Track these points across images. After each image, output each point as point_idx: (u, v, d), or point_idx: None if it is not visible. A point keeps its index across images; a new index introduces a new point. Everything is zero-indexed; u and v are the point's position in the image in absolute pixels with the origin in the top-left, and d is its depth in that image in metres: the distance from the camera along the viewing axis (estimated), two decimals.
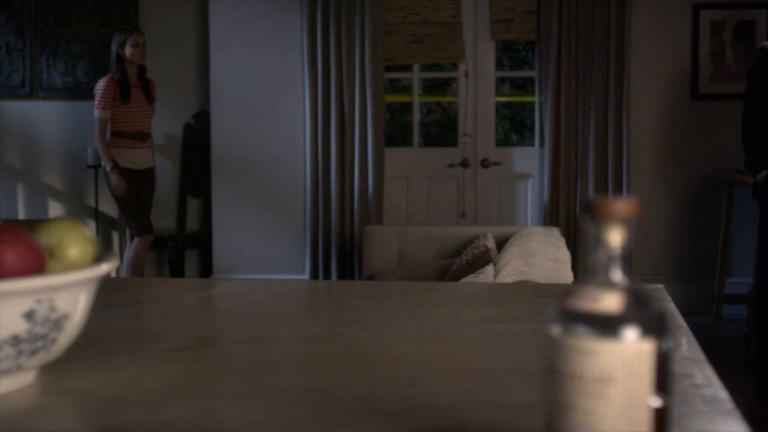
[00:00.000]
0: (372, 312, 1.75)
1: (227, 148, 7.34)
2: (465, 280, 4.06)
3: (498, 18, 7.23)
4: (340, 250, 7.25)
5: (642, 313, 0.86)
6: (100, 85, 6.85)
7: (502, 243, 5.41)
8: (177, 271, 7.51)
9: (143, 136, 6.95)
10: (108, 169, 6.80)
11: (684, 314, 6.47)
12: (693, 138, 7.23)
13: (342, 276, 7.26)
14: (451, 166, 7.42)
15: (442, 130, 9.69)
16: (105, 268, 1.25)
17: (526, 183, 7.42)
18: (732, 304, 7.09)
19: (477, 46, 7.32)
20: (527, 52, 11.29)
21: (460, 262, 5.20)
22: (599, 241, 0.88)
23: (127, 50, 6.84)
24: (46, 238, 1.24)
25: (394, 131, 7.99)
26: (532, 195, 7.40)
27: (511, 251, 4.87)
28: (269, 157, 7.40)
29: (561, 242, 5.17)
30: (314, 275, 7.31)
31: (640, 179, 7.21)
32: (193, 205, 7.75)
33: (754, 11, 7.11)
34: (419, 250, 5.71)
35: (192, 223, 7.74)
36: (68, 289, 1.20)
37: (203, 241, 7.67)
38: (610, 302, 0.86)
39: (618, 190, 7.08)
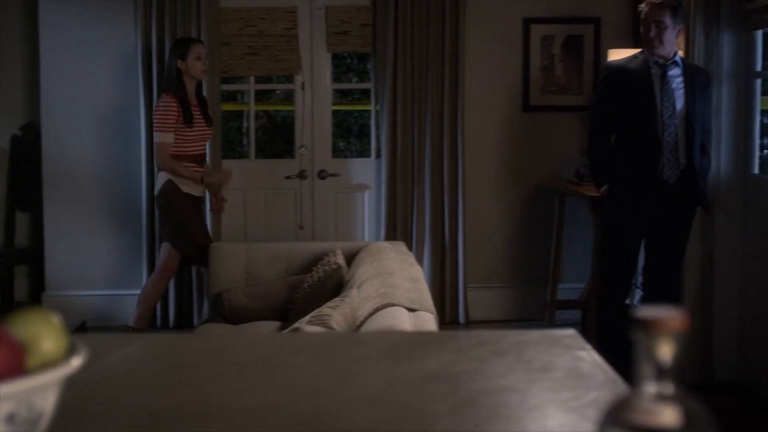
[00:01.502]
0: (308, 371, 1.73)
1: (60, 160, 7.12)
2: (330, 304, 4.06)
3: (334, 30, 7.25)
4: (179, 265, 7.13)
5: (696, 426, 0.88)
6: (161, 104, 6.25)
7: (349, 257, 5.43)
8: (6, 289, 7.24)
9: (203, 160, 6.44)
10: (201, 179, 6.30)
11: (518, 320, 6.58)
12: (525, 148, 7.42)
13: (181, 292, 7.15)
14: (288, 177, 7.40)
15: (276, 141, 9.68)
16: (78, 362, 1.20)
17: (363, 194, 7.47)
18: (564, 309, 7.30)
19: (313, 58, 7.32)
20: (352, 59, 11.37)
21: (311, 279, 5.20)
22: (651, 354, 0.90)
23: (189, 63, 6.28)
24: (20, 332, 1.18)
25: (223, 142, 7.91)
26: (369, 206, 7.46)
27: (365, 269, 4.89)
28: (105, 169, 7.21)
29: (411, 258, 5.23)
30: None
31: (476, 189, 7.35)
32: (22, 219, 7.48)
33: (582, 26, 7.35)
34: (267, 266, 5.67)
35: (21, 238, 7.47)
36: (46, 387, 1.15)
37: (34, 257, 7.42)
38: (667, 416, 0.88)
39: (454, 200, 7.20)
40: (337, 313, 3.91)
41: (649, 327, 0.89)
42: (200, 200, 6.55)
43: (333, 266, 5.16)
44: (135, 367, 1.78)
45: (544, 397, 1.58)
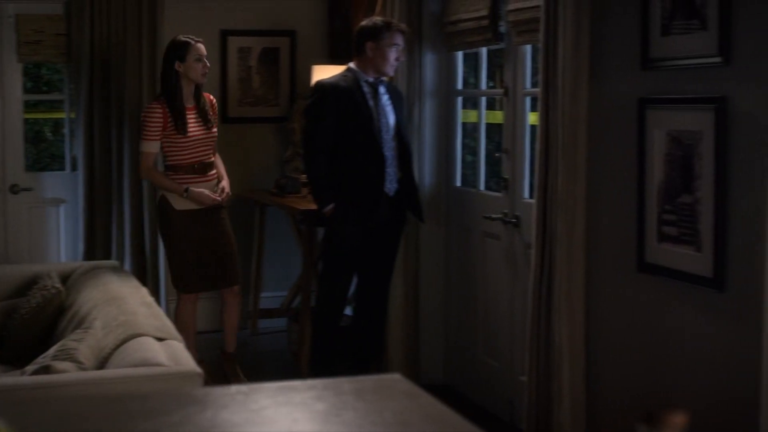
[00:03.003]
0: None
1: None
2: (73, 336, 3.95)
3: (25, 40, 6.97)
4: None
5: None
6: (145, 111, 5.91)
7: (63, 279, 5.27)
8: None
9: (203, 168, 5.89)
10: (185, 194, 5.80)
11: (221, 331, 6.56)
12: (225, 160, 7.40)
13: None
14: None
15: None
16: None
17: (58, 209, 7.23)
18: (266, 318, 7.42)
19: (4, 69, 7.01)
20: (33, 66, 10.93)
21: (29, 305, 5.00)
22: None
23: (189, 65, 5.81)
24: None
25: None
26: (66, 221, 7.23)
27: (90, 294, 4.77)
28: None
29: (134, 280, 5.16)
30: None
31: None
32: None
33: (278, 39, 7.47)
34: None
35: None
36: None
37: None
38: None
39: (154, 213, 7.12)
40: (83, 347, 3.82)
41: (654, 422, 1.01)
42: (210, 212, 5.98)
43: (52, 291, 5.00)
44: None
45: None
